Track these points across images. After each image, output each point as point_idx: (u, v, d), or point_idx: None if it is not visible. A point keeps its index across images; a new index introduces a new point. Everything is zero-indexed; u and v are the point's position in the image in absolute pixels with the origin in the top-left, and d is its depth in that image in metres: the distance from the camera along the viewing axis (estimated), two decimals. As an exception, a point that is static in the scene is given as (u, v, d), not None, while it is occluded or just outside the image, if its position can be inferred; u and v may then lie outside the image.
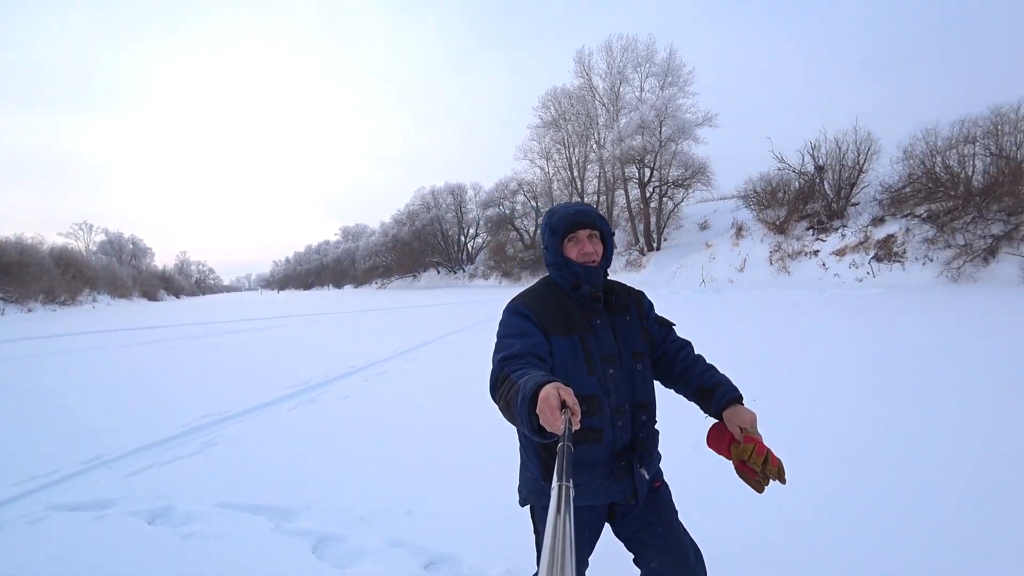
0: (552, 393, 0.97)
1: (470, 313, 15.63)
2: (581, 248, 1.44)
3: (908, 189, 16.90)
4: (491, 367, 1.30)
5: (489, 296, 24.75)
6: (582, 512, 1.41)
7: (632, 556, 1.52)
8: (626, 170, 28.75)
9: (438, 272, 49.44)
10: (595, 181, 33.68)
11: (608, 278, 1.53)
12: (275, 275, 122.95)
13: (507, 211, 39.28)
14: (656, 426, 1.52)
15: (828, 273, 17.70)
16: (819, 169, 19.46)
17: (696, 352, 1.60)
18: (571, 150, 34.59)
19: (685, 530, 1.52)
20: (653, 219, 27.11)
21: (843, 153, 18.69)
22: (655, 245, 26.93)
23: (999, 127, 15.34)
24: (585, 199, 33.80)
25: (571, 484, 0.73)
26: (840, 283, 16.75)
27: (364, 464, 3.41)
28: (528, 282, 33.75)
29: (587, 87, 32.65)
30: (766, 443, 1.29)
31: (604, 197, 32.39)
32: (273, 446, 3.87)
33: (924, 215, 16.17)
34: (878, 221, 17.51)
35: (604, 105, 31.82)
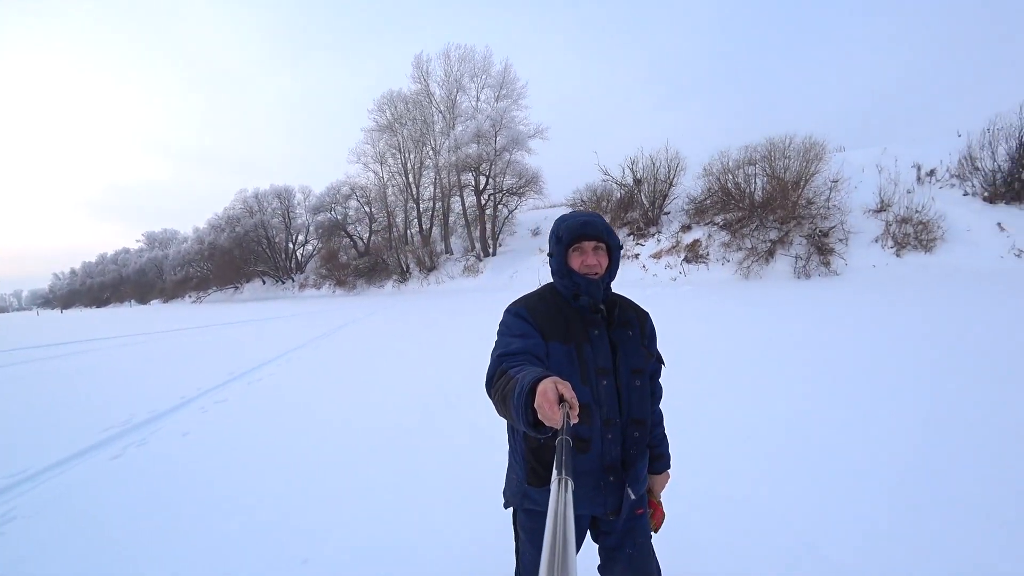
0: (550, 387, 0.97)
1: (308, 326, 14.03)
2: (585, 259, 1.46)
3: (708, 201, 19.27)
4: (488, 363, 1.31)
5: (325, 306, 22.39)
6: None
7: (598, 562, 1.57)
8: (462, 177, 28.58)
9: (264, 282, 43.73)
10: (431, 187, 32.95)
11: (614, 292, 1.55)
12: (57, 290, 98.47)
13: (339, 216, 36.43)
14: (646, 445, 1.53)
15: (648, 274, 19.20)
16: (637, 182, 21.28)
17: (660, 408, 1.67)
18: (407, 155, 33.45)
19: (654, 552, 1.56)
20: (489, 225, 27.23)
21: (656, 168, 20.68)
22: (491, 251, 27.01)
23: (772, 153, 18.27)
24: (420, 205, 32.87)
25: (571, 477, 0.74)
26: (658, 282, 18.25)
27: (235, 511, 2.90)
28: (365, 292, 31.42)
29: (424, 93, 32.07)
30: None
31: (440, 203, 31.80)
32: (102, 510, 3.01)
33: (721, 223, 18.55)
34: (686, 228, 19.65)
35: (441, 112, 31.50)
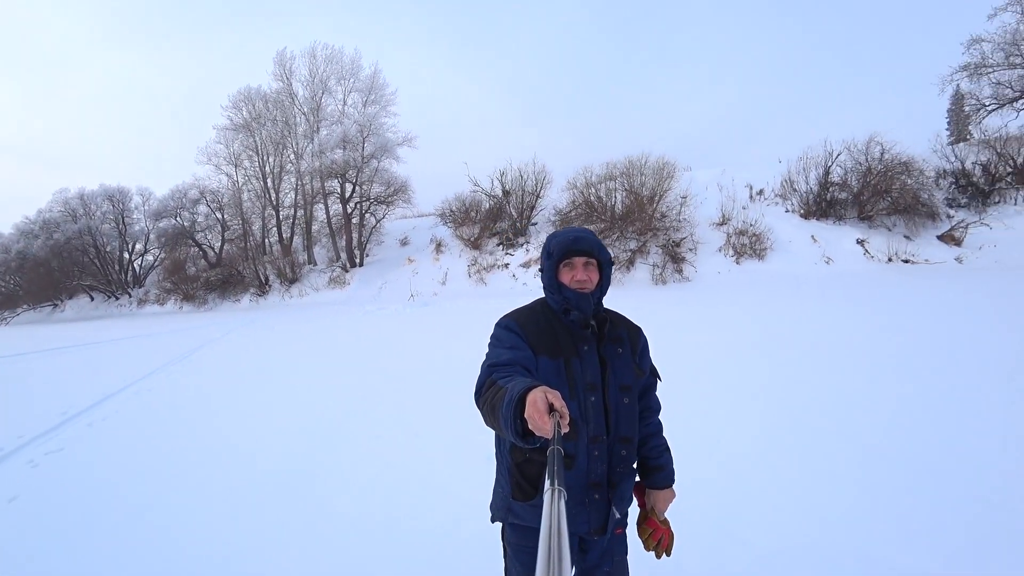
0: (540, 396, 0.96)
1: (157, 349, 11.63)
2: (575, 275, 1.44)
3: (573, 213, 19.79)
4: (478, 373, 1.31)
5: (173, 324, 19.05)
6: None
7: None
8: (327, 184, 26.73)
9: (92, 298, 36.88)
10: (292, 193, 30.41)
11: (606, 308, 1.53)
12: None
13: (186, 223, 32.05)
14: (633, 465, 1.50)
15: (518, 283, 19.24)
16: (506, 193, 21.30)
17: (659, 419, 1.64)
18: (265, 158, 30.56)
19: (628, 570, 1.57)
20: (355, 235, 25.65)
21: (524, 180, 20.88)
22: (358, 261, 25.42)
23: (630, 170, 19.32)
24: (280, 212, 30.16)
25: (563, 488, 0.73)
26: (529, 290, 18.35)
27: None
28: (218, 307, 27.73)
29: (287, 92, 29.66)
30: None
31: (302, 211, 29.43)
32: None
33: (584, 234, 19.12)
34: (552, 239, 20.00)
35: (304, 114, 29.30)
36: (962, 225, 16.34)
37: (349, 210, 25.75)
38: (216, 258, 31.63)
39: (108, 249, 36.06)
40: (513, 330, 1.42)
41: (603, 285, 1.48)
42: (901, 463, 3.16)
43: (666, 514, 1.59)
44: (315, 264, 28.00)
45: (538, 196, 20.66)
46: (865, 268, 15.66)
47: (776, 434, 3.73)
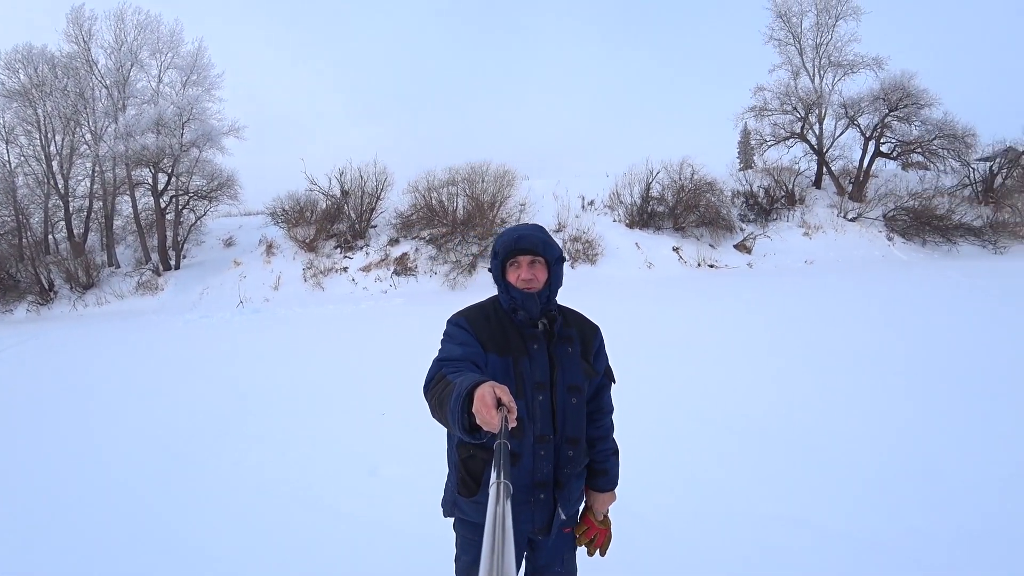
0: (488, 391, 0.96)
1: None
2: (520, 274, 1.45)
3: (415, 216, 19.38)
4: (428, 368, 1.30)
5: None
6: None
7: None
8: (134, 173, 23.03)
9: None
10: (87, 181, 25.64)
11: (560, 306, 1.53)
12: None
13: (-72, 212, 25.41)
14: (583, 466, 1.50)
15: (358, 287, 18.33)
16: (344, 193, 20.18)
17: (611, 420, 1.63)
18: (50, 135, 25.40)
19: (576, 569, 1.60)
20: (170, 233, 22.40)
21: (365, 181, 19.95)
22: (174, 264, 22.22)
23: (472, 176, 19.49)
24: (71, 204, 25.28)
25: (509, 482, 0.74)
26: (369, 295, 17.59)
27: None
28: None
29: (84, 59, 24.91)
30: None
31: (102, 203, 24.95)
32: None
33: (427, 238, 18.85)
34: (394, 242, 19.38)
35: (107, 87, 24.96)
36: (751, 237, 19.08)
37: (163, 205, 22.39)
38: (-21, 254, 25.51)
39: None
40: (463, 327, 1.44)
41: (552, 282, 1.48)
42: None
43: (608, 514, 1.64)
44: (118, 267, 23.86)
45: (379, 198, 19.89)
46: (680, 272, 17.55)
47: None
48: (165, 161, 21.93)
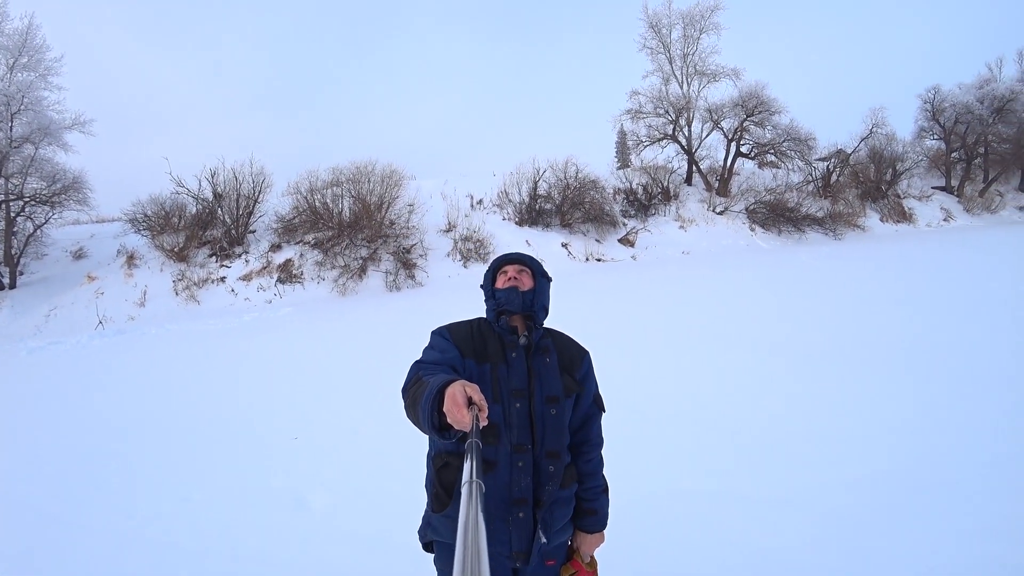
0: (459, 389, 0.96)
1: None
2: (506, 279, 1.54)
3: (297, 220, 18.43)
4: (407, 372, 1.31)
5: None
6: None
7: None
8: (-45, 176, 19.72)
9: None
10: None
11: (548, 328, 1.57)
12: None
13: None
14: (569, 491, 1.45)
15: (239, 298, 17.02)
16: (218, 196, 18.73)
17: (600, 454, 1.58)
18: None
19: None
20: (2, 245, 19.43)
21: (240, 183, 18.65)
22: (8, 282, 19.27)
23: (358, 177, 18.91)
24: None
25: (481, 481, 0.72)
26: (253, 306, 16.41)
27: None
28: None
29: None
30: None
31: (-88, 215, 21.08)
32: None
33: (313, 242, 17.97)
34: (276, 247, 18.25)
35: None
36: (633, 231, 20.30)
37: (-7, 213, 19.37)
38: None
39: None
40: (444, 336, 1.47)
41: (537, 291, 1.53)
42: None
43: (594, 557, 1.57)
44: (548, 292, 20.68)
45: (256, 200, 18.67)
46: (570, 267, 18.20)
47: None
48: (-7, 161, 18.97)
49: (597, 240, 19.97)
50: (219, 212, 18.53)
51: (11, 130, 18.83)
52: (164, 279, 18.44)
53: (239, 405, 5.74)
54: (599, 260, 19.07)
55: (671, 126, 24.18)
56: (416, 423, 1.16)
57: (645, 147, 24.41)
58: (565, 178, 20.43)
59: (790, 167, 24.27)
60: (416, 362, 1.35)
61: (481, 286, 1.65)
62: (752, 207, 22.13)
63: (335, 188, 18.40)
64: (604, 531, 1.55)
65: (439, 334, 1.50)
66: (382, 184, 18.33)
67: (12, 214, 19.18)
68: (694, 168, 24.51)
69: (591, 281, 14.66)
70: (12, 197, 19.18)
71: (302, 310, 14.92)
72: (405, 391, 1.26)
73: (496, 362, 1.43)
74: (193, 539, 3.06)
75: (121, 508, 3.56)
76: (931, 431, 3.72)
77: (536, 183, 20.08)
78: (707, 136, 24.54)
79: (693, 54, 25.20)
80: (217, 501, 3.52)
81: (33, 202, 19.22)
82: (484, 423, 0.95)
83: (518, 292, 1.50)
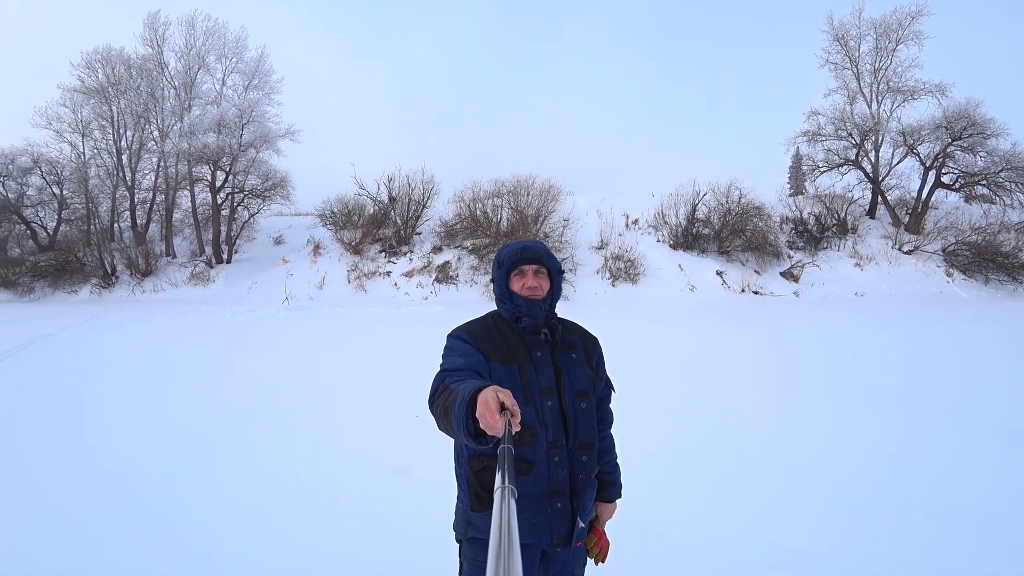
0: (491, 395, 0.96)
1: None
2: (525, 282, 1.48)
3: (459, 226, 19.68)
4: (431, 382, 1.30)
5: None
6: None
7: None
8: (195, 170, 24.19)
9: None
10: (152, 175, 27.07)
11: (559, 317, 1.56)
12: None
13: (11, 195, 27.06)
14: (595, 473, 1.50)
15: (400, 292, 18.70)
16: (392, 199, 20.66)
17: (611, 432, 1.66)
18: (121, 131, 26.97)
19: None
20: (224, 228, 23.40)
21: (412, 188, 20.38)
22: (226, 258, 23.18)
23: (517, 189, 19.67)
24: (136, 195, 26.74)
25: (514, 487, 0.72)
26: (410, 300, 17.92)
27: None
28: (48, 298, 23.57)
29: (156, 61, 26.41)
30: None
31: (163, 197, 26.31)
32: None
33: (470, 247, 19.09)
34: (437, 249, 19.73)
35: (175, 89, 26.37)
36: (799, 265, 18.59)
37: (219, 201, 23.45)
38: (49, 240, 27.15)
39: None
40: (464, 339, 1.43)
41: (554, 293, 1.52)
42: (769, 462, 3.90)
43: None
44: (174, 257, 25.06)
45: (425, 206, 20.28)
46: (723, 296, 17.25)
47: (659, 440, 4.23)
48: (224, 160, 22.98)
49: (756, 271, 18.62)
50: (392, 214, 20.48)
51: (241, 137, 22.73)
52: (341, 268, 20.90)
53: (382, 381, 6.57)
54: (756, 293, 17.75)
55: (854, 150, 21.59)
56: (449, 432, 1.16)
57: (822, 173, 22.03)
58: (727, 202, 19.35)
59: (1008, 202, 20.09)
60: (441, 371, 1.33)
61: (492, 279, 1.58)
62: (952, 248, 19.01)
63: (495, 199, 19.34)
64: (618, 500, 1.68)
65: (458, 337, 1.46)
66: (540, 197, 18.88)
67: (235, 204, 23.07)
68: (879, 199, 21.69)
69: (745, 313, 13.62)
70: (236, 191, 23.13)
71: (452, 309, 15.79)
72: (432, 401, 1.24)
73: (523, 363, 1.42)
74: (303, 480, 3.62)
75: (262, 443, 4.43)
76: None
77: (695, 206, 19.28)
78: (898, 163, 21.47)
79: (886, 68, 22.15)
80: (335, 455, 4.06)
81: (250, 195, 23.07)
82: (517, 429, 0.93)
83: (540, 304, 1.47)
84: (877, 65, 22.28)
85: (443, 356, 1.41)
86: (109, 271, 24.15)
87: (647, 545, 2.67)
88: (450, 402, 1.10)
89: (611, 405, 1.67)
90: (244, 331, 11.62)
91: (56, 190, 27.54)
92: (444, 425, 1.16)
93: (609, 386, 1.63)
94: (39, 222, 27.98)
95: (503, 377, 1.37)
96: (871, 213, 21.62)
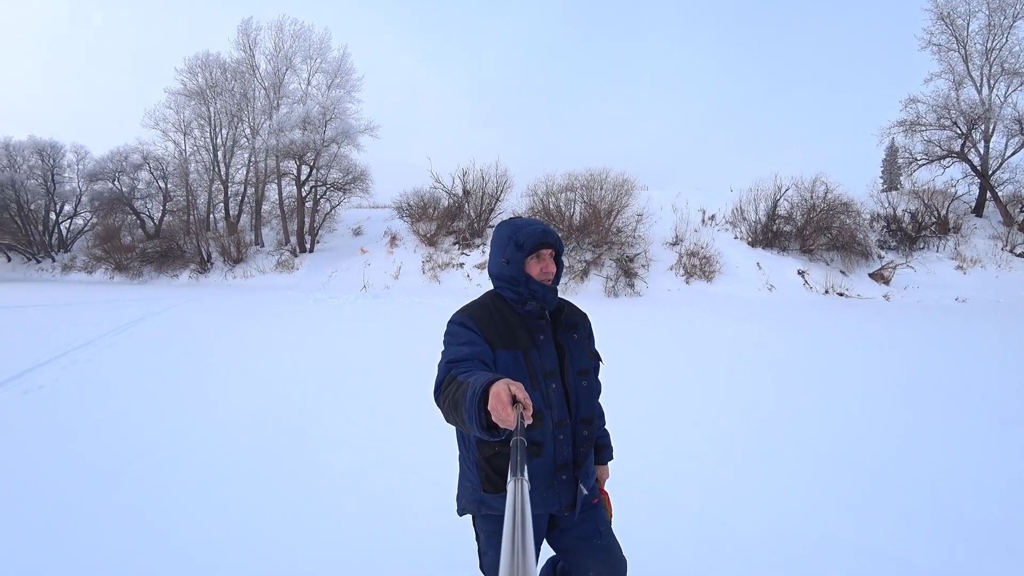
0: (503, 389, 0.97)
1: (92, 319, 10.91)
2: (544, 267, 1.48)
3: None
4: (436, 372, 1.31)
5: (104, 295, 17.82)
6: None
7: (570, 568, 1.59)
8: (282, 164, 25.76)
9: (8, 259, 33.93)
10: (244, 170, 29.09)
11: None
12: None
13: (125, 188, 30.05)
14: (593, 444, 1.57)
15: (472, 283, 19.14)
16: (466, 193, 21.13)
17: (599, 401, 1.67)
18: (218, 129, 29.12)
19: (617, 540, 1.58)
20: (308, 220, 24.82)
21: (486, 182, 20.75)
22: (309, 247, 24.61)
23: (591, 183, 19.55)
24: (229, 188, 28.84)
25: (527, 478, 0.74)
26: (482, 291, 18.07)
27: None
28: (154, 280, 26.17)
29: (248, 64, 28.35)
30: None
31: (253, 189, 28.22)
32: None
33: (541, 242, 19.24)
34: (509, 243, 20.01)
35: (265, 89, 28.14)
36: (891, 266, 17.41)
37: (303, 193, 24.90)
38: (155, 229, 29.90)
39: (32, 207, 33.36)
40: (467, 326, 1.41)
41: (558, 276, 1.54)
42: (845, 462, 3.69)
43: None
44: (262, 245, 26.92)
45: (498, 199, 20.61)
46: (804, 297, 16.45)
47: (725, 439, 4.13)
48: (308, 155, 24.36)
49: (842, 271, 17.59)
50: (466, 206, 20.97)
51: (324, 133, 24.00)
52: (416, 259, 21.69)
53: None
54: (841, 295, 16.76)
55: (959, 141, 19.78)
56: (459, 425, 1.16)
57: (920, 166, 20.29)
58: (812, 198, 18.37)
59: None
60: (445, 362, 1.31)
61: (505, 260, 1.49)
62: (1073, 250, 17.22)
63: (569, 193, 19.35)
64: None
65: (460, 323, 1.43)
66: (613, 192, 18.71)
67: (318, 196, 24.41)
68: (987, 195, 19.83)
69: (828, 316, 12.86)
70: (319, 184, 24.47)
71: (521, 301, 16.11)
72: (438, 393, 1.24)
73: (527, 347, 1.42)
74: (388, 452, 3.73)
75: (344, 419, 4.58)
76: None
77: (776, 201, 18.45)
78: (1012, 154, 19.40)
79: (1000, 49, 19.99)
80: (414, 427, 4.11)
81: (332, 188, 24.37)
82: (529, 421, 0.94)
83: (553, 290, 1.49)
84: (989, 45, 20.24)
85: (445, 343, 1.40)
86: (205, 257, 26.30)
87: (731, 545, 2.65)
88: (460, 395, 1.10)
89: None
90: (325, 316, 12.35)
91: (161, 184, 30.23)
92: (453, 418, 1.15)
93: (598, 358, 1.65)
94: (147, 213, 30.82)
95: (508, 363, 1.38)
96: (978, 211, 19.80)
